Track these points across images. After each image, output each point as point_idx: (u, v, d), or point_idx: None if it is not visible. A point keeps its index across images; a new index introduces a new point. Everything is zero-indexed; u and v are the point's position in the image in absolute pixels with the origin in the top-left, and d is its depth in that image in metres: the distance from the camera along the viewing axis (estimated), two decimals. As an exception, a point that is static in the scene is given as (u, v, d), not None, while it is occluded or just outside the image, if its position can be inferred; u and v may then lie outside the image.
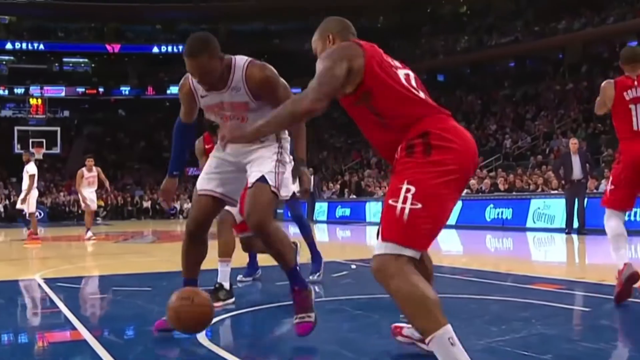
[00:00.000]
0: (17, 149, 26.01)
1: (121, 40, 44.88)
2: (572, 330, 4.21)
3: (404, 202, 2.53)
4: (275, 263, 3.81)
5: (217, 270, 5.19)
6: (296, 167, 3.82)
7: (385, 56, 2.81)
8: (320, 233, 16.97)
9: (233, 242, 5.48)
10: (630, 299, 4.86)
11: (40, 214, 29.29)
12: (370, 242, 12.21)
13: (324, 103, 2.64)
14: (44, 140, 28.74)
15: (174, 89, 33.45)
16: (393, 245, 2.54)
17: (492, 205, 17.47)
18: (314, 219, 22.93)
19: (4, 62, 45.95)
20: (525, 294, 5.23)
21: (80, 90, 44.82)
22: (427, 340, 2.49)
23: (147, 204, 34.79)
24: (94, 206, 14.92)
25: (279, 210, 16.86)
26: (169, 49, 44.45)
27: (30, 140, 28.32)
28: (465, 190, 13.06)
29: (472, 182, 18.93)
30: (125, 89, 45.69)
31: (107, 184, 15.10)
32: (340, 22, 3.10)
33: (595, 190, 15.54)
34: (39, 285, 6.61)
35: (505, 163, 25.44)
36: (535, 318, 4.25)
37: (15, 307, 5.73)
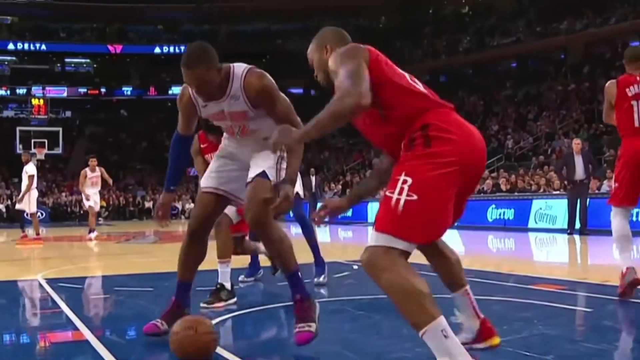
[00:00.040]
0: (19, 149, 26.01)
1: (123, 41, 44.90)
2: (574, 330, 4.20)
3: (400, 193, 2.50)
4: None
5: (217, 270, 5.20)
6: (279, 183, 3.56)
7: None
8: (322, 233, 16.97)
9: (231, 242, 5.49)
10: (633, 300, 4.86)
11: (42, 214, 29.40)
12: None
13: (369, 99, 2.57)
14: (46, 141, 28.74)
15: (175, 90, 33.44)
16: (386, 237, 2.50)
17: (494, 206, 17.46)
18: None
19: (6, 63, 45.97)
20: (527, 295, 5.22)
21: (82, 90, 44.85)
22: (420, 334, 2.46)
23: (149, 205, 34.77)
24: (97, 207, 14.91)
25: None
26: (171, 49, 44.45)
27: (32, 141, 28.32)
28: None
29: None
30: (127, 90, 45.72)
31: (110, 182, 15.10)
32: (338, 32, 3.05)
33: (597, 191, 15.54)
34: (41, 285, 6.61)
35: (507, 163, 25.41)
36: (537, 318, 4.25)
37: (17, 307, 5.74)
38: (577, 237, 12.88)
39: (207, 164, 5.75)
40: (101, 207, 24.79)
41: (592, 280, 6.35)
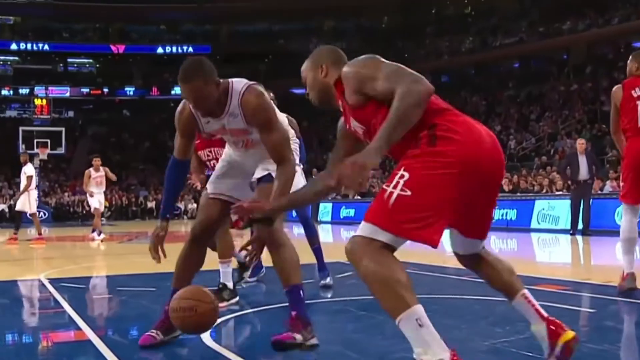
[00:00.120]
0: (22, 149, 25.99)
1: (126, 41, 44.96)
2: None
3: (395, 187, 2.47)
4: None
5: (218, 270, 5.20)
6: (257, 219, 3.33)
7: None
8: (325, 234, 16.97)
9: (231, 242, 5.49)
10: (635, 300, 4.86)
11: (44, 214, 29.44)
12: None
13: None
14: (49, 141, 28.72)
15: (178, 90, 33.40)
16: (371, 227, 2.48)
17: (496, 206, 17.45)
18: (318, 219, 22.92)
19: (9, 63, 46.05)
20: (530, 295, 5.21)
21: (85, 90, 44.94)
22: (396, 322, 2.43)
23: (151, 205, 34.83)
24: (102, 208, 14.90)
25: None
26: (174, 49, 44.54)
27: (35, 141, 28.33)
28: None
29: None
30: (129, 90, 45.78)
31: (114, 179, 15.08)
32: (334, 52, 3.00)
33: (600, 192, 15.51)
34: (44, 285, 6.62)
35: (509, 164, 25.36)
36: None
37: (20, 307, 5.75)
38: (579, 237, 12.87)
39: (200, 159, 5.75)
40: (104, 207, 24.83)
41: (595, 281, 6.34)
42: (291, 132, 4.09)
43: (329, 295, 5.66)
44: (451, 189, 2.49)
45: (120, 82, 45.39)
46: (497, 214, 17.22)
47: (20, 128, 30.07)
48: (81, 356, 3.68)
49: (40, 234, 13.85)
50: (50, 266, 8.93)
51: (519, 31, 35.52)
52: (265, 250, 3.58)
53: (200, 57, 3.55)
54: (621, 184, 5.55)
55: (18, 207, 14.20)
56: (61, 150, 30.49)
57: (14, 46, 43.38)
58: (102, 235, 14.20)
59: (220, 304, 4.89)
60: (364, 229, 2.50)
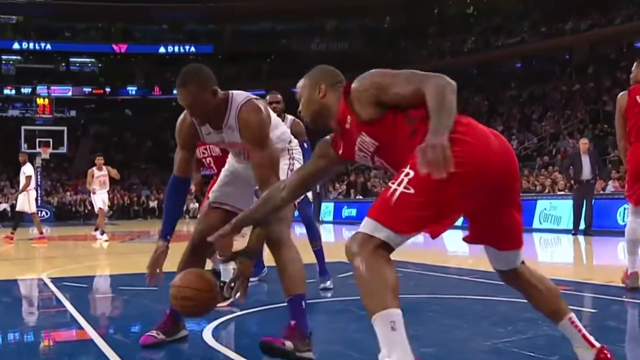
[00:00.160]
0: (24, 148, 26.03)
1: (128, 40, 44.99)
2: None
3: (399, 184, 2.47)
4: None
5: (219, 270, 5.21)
6: (238, 254, 3.29)
7: None
8: (327, 233, 16.97)
9: (232, 241, 5.48)
10: (637, 300, 4.86)
11: (46, 214, 29.46)
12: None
13: None
14: (51, 140, 28.73)
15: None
16: (372, 223, 2.47)
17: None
18: (320, 219, 22.92)
19: (11, 62, 46.12)
20: (532, 295, 5.21)
21: (87, 90, 44.97)
22: (372, 321, 2.42)
23: (153, 204, 34.88)
24: (106, 208, 14.89)
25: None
26: (176, 49, 44.57)
27: (37, 140, 28.35)
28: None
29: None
30: (131, 89, 45.81)
31: (118, 177, 15.07)
32: (333, 73, 2.95)
33: (602, 192, 15.50)
34: (46, 284, 6.63)
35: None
36: (541, 319, 4.21)
37: (22, 306, 5.76)
38: (581, 237, 12.86)
39: (195, 157, 5.72)
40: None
41: (597, 281, 6.35)
42: (294, 142, 4.02)
43: (330, 295, 5.66)
44: (456, 188, 2.45)
45: (123, 82, 45.42)
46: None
47: (23, 127, 30.08)
48: (83, 355, 3.68)
49: (41, 232, 13.84)
50: (52, 265, 8.94)
51: (522, 31, 35.49)
52: (267, 251, 3.57)
53: (200, 64, 3.51)
54: (626, 185, 5.69)
55: (18, 207, 14.21)
56: (63, 150, 30.50)
57: (16, 46, 43.43)
58: (105, 236, 14.20)
59: (222, 303, 4.90)
60: (365, 225, 2.50)
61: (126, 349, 3.63)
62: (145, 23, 44.99)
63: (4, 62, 45.81)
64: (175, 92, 3.44)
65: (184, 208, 33.81)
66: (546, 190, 17.90)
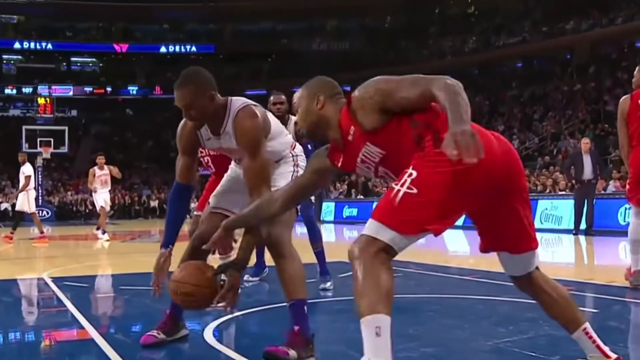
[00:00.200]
0: (25, 148, 26.07)
1: (129, 40, 44.99)
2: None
3: (402, 185, 2.47)
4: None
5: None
6: (227, 266, 3.27)
7: None
8: (328, 233, 16.97)
9: (231, 241, 5.47)
10: (638, 300, 4.86)
11: (47, 213, 29.48)
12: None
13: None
14: (52, 140, 28.76)
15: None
16: (376, 225, 2.46)
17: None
18: (321, 219, 22.92)
19: (12, 62, 46.14)
20: (533, 295, 5.22)
21: (88, 89, 44.96)
22: (360, 322, 2.41)
23: (154, 204, 34.91)
24: (107, 207, 14.90)
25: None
26: (177, 48, 44.58)
27: (38, 140, 28.39)
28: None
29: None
30: (132, 89, 45.81)
31: (119, 176, 15.06)
32: (332, 85, 2.92)
33: (603, 192, 15.48)
34: (47, 283, 6.63)
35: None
36: (542, 319, 4.22)
37: (23, 305, 5.76)
38: (582, 237, 12.85)
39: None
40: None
41: (598, 281, 6.35)
42: (299, 148, 3.96)
43: (331, 295, 5.65)
44: (459, 186, 2.46)
45: (124, 81, 45.43)
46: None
47: (24, 127, 30.11)
48: (84, 355, 3.68)
49: (42, 232, 13.85)
50: (53, 265, 8.94)
51: (522, 31, 35.48)
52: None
53: (200, 67, 3.49)
54: (627, 187, 5.75)
55: (17, 207, 14.22)
56: (64, 149, 30.53)
57: (17, 45, 43.43)
58: (106, 236, 14.21)
59: (221, 304, 4.89)
60: (369, 227, 2.50)
61: (127, 349, 3.63)
62: (146, 23, 45.00)
63: (5, 61, 45.83)
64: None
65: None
66: (547, 190, 17.89)
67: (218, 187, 3.94)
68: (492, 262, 3.46)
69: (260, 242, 3.44)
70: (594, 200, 13.49)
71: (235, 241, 5.88)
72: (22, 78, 44.29)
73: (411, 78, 2.65)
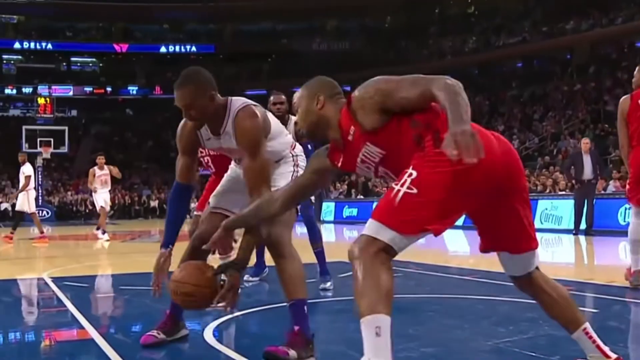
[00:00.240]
0: (25, 148, 26.08)
1: (129, 40, 45.00)
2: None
3: (402, 185, 2.47)
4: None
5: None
6: (227, 266, 3.27)
7: None
8: (328, 233, 16.97)
9: (231, 241, 5.47)
10: (638, 300, 4.86)
11: (47, 213, 29.48)
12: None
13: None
14: (52, 140, 28.77)
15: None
16: (376, 224, 2.46)
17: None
18: (321, 219, 22.92)
19: (12, 62, 46.14)
20: (533, 295, 5.22)
21: (88, 89, 44.96)
22: (361, 322, 2.41)
23: (154, 203, 34.91)
24: (107, 207, 14.90)
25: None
26: (177, 48, 44.59)
27: (38, 140, 28.40)
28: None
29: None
30: (132, 89, 45.81)
31: (119, 176, 15.05)
32: (332, 85, 2.92)
33: (603, 192, 15.48)
34: (47, 283, 6.63)
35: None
36: (542, 319, 4.22)
37: (23, 305, 5.76)
38: (582, 237, 12.85)
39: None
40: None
41: (598, 281, 6.35)
42: (299, 148, 3.95)
43: (331, 295, 5.66)
44: (459, 186, 2.46)
45: (124, 81, 45.43)
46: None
47: (24, 127, 30.11)
48: (84, 355, 3.68)
49: (42, 232, 13.85)
50: (53, 265, 8.94)
51: (522, 31, 35.49)
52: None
53: (200, 67, 3.48)
54: (627, 187, 5.75)
55: (17, 207, 14.22)
56: (64, 149, 30.53)
57: (17, 45, 43.43)
58: (106, 236, 14.21)
59: (221, 304, 4.89)
60: (370, 227, 2.49)
61: (127, 349, 3.63)
62: (146, 23, 45.01)
63: (5, 61, 45.83)
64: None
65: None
66: (547, 190, 17.89)
67: (218, 187, 3.94)
68: (492, 262, 3.46)
69: (260, 242, 3.44)
70: (594, 200, 13.49)
71: (235, 241, 5.88)
72: (22, 78, 44.29)
73: (411, 78, 2.65)
